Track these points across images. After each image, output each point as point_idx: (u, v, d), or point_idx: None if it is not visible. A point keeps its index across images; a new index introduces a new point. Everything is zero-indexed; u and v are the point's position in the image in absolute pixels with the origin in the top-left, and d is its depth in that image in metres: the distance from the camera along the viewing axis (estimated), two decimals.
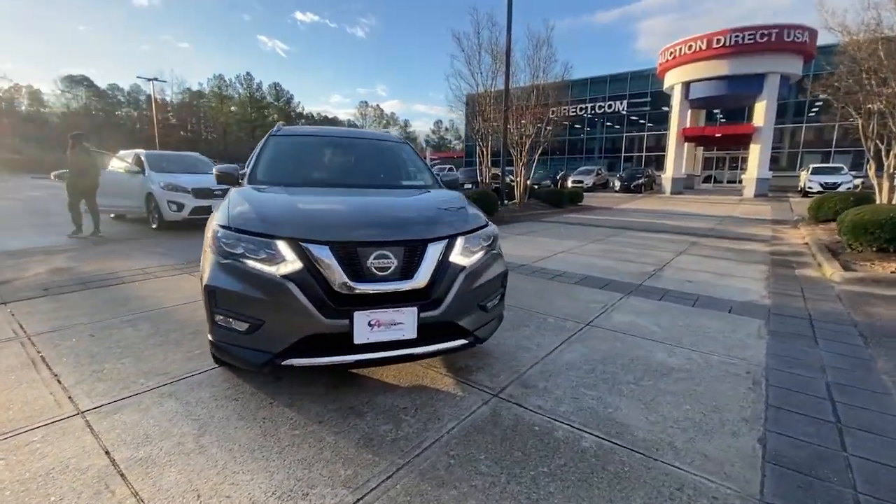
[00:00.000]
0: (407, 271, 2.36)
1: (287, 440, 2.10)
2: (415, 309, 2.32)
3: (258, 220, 2.41)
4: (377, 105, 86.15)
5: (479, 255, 2.67)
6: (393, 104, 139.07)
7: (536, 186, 18.99)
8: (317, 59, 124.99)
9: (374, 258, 2.30)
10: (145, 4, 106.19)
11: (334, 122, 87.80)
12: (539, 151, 15.69)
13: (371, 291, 2.28)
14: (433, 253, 2.43)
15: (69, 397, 2.45)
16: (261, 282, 2.20)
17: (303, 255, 2.24)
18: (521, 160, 15.08)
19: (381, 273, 2.31)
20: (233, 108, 69.65)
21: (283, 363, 2.24)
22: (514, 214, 13.27)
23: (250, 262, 2.24)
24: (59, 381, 2.63)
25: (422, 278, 2.37)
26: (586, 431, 2.22)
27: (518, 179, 15.33)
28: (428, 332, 2.40)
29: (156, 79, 37.02)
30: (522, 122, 15.22)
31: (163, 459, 1.94)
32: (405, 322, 2.30)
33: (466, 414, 2.37)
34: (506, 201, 14.76)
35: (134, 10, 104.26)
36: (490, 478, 1.87)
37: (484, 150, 15.60)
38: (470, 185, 15.96)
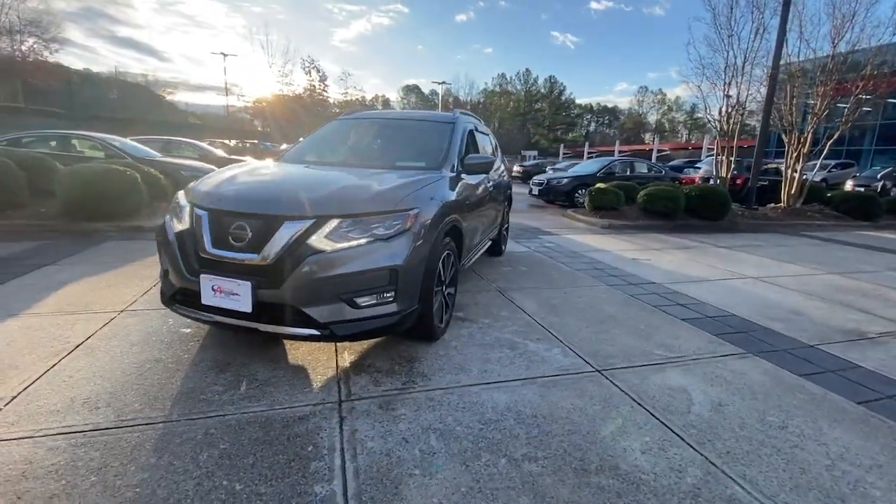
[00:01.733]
0: (256, 246, 2.27)
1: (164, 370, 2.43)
2: (250, 283, 2.22)
3: (193, 188, 2.76)
4: (660, 90, 77.39)
5: (357, 242, 2.28)
6: (687, 88, 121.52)
7: (825, 186, 13.27)
8: (604, 47, 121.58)
9: (233, 228, 2.31)
10: (464, 19, 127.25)
11: (613, 111, 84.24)
12: (832, 139, 10.90)
13: (217, 258, 2.31)
14: (287, 232, 2.24)
15: None
16: (165, 237, 2.57)
17: (193, 218, 2.47)
18: (798, 150, 10.87)
19: (237, 243, 2.30)
20: (510, 104, 76.13)
21: (171, 307, 2.56)
22: (758, 222, 9.82)
23: (171, 221, 2.63)
24: None
25: (266, 254, 2.23)
26: None
27: (792, 175, 11.15)
28: (269, 310, 2.26)
29: (443, 82, 44.64)
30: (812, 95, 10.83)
31: None
32: (241, 294, 2.24)
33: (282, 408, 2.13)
34: (760, 204, 11.03)
35: (455, 25, 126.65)
36: None
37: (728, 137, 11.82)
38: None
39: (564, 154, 46.08)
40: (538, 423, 2.12)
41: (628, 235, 7.91)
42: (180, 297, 2.49)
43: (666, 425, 2.16)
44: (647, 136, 68.82)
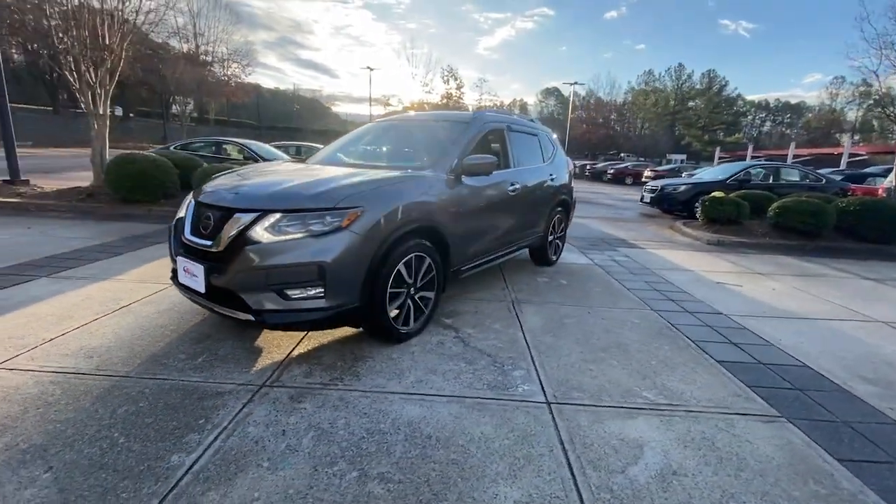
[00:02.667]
0: (213, 235, 2.53)
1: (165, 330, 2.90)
2: (202, 267, 2.49)
3: (202, 184, 3.17)
4: (863, 81, 61.36)
5: (292, 236, 2.38)
6: None
7: None
8: (792, 31, 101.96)
9: (203, 218, 2.63)
10: (614, 15, 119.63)
11: (797, 108, 70.37)
12: None
13: (190, 243, 2.64)
14: (235, 223, 2.45)
15: None
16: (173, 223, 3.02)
17: (186, 208, 2.87)
18: None
19: (203, 231, 2.61)
20: (656, 102, 68.91)
21: (174, 283, 3.00)
22: None
23: (180, 210, 3.08)
24: None
25: (218, 242, 2.48)
26: None
27: None
28: (217, 293, 2.50)
29: (575, 83, 42.52)
30: None
31: None
32: (198, 276, 2.53)
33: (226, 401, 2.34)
34: None
35: (603, 23, 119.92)
36: None
37: None
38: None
39: (721, 158, 39.93)
40: (425, 445, 1.95)
41: (738, 255, 6.56)
42: (173, 275, 2.91)
43: (574, 479, 1.78)
44: (843, 137, 55.43)
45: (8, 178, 8.36)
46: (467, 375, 2.57)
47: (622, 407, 2.33)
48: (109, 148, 8.54)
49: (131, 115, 40.03)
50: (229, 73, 39.97)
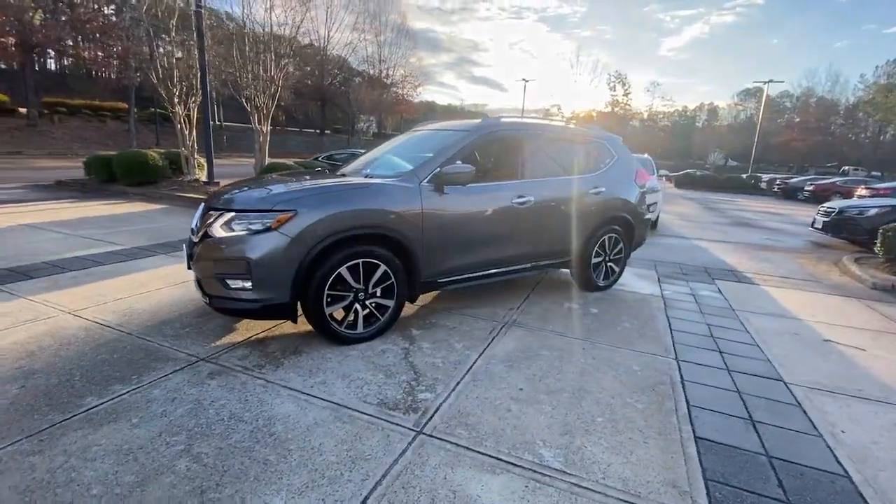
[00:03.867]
0: (198, 230, 3.03)
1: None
2: (186, 255, 3.02)
3: None
4: None
5: (234, 233, 2.71)
6: None
7: None
8: None
9: (202, 216, 3.17)
10: None
11: None
12: None
13: (190, 235, 3.21)
14: (206, 219, 2.90)
15: None
16: None
17: (199, 209, 3.49)
18: None
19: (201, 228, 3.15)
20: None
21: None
22: None
23: None
24: None
25: (196, 235, 2.97)
26: None
27: None
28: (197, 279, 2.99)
29: (771, 80, 34.76)
30: None
31: None
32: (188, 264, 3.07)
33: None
34: None
35: (834, 6, 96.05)
36: None
37: None
38: None
39: None
40: (260, 441, 2.03)
41: None
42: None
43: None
44: None
45: (206, 179, 11.16)
46: (372, 387, 2.52)
47: (496, 458, 1.99)
48: (271, 158, 10.65)
49: (327, 131, 48.48)
50: (403, 92, 45.11)
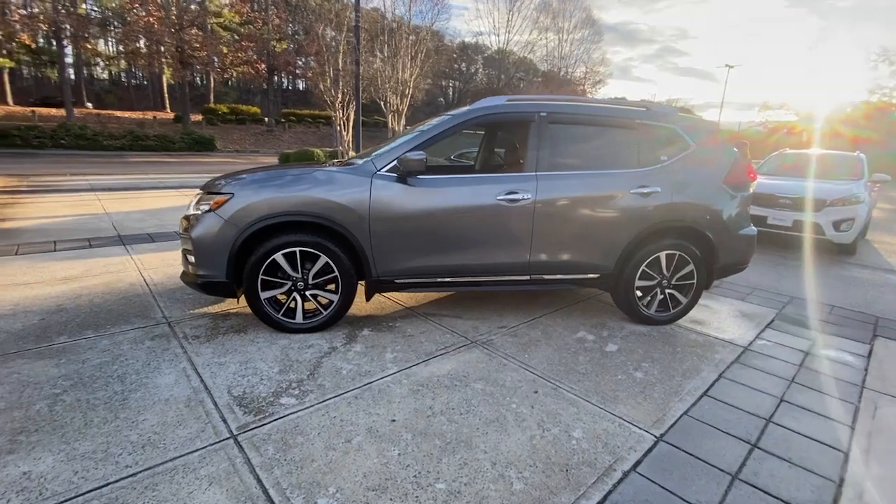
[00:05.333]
0: None
1: None
2: None
3: None
4: None
5: (196, 212, 2.93)
6: None
7: None
8: None
9: None
10: None
11: None
12: None
13: None
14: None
15: None
16: None
17: None
18: None
19: None
20: None
21: None
22: None
23: None
24: None
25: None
26: None
27: None
28: None
29: None
30: None
31: None
32: None
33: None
34: None
35: None
36: None
37: None
38: None
39: None
40: (107, 400, 2.15)
41: None
42: None
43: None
44: None
45: None
46: (253, 379, 2.42)
47: (262, 492, 1.66)
48: None
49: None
50: (582, 89, 42.83)
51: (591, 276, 3.30)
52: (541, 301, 3.82)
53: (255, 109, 32.58)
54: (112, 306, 3.32)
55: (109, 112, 30.94)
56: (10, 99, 29.51)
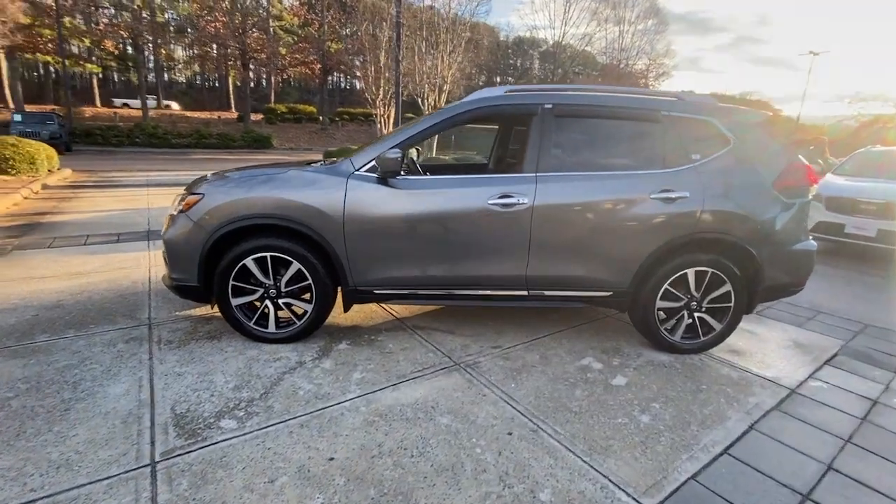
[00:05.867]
0: None
1: None
2: None
3: None
4: None
5: (175, 212, 2.83)
6: None
7: None
8: None
9: None
10: None
11: None
12: None
13: None
14: None
15: None
16: None
17: None
18: None
19: None
20: None
21: None
22: None
23: None
24: None
25: None
26: None
27: None
28: None
29: None
30: None
31: None
32: None
33: None
34: None
35: None
36: None
37: None
38: None
39: None
40: (50, 408, 2.05)
41: None
42: None
43: None
44: None
45: None
46: (205, 394, 2.25)
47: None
48: (442, 152, 11.21)
49: None
50: (643, 82, 40.38)
51: (602, 293, 2.84)
52: (550, 317, 3.40)
53: (312, 108, 33.77)
54: (107, 304, 3.32)
55: (181, 112, 33.40)
56: (98, 101, 32.78)
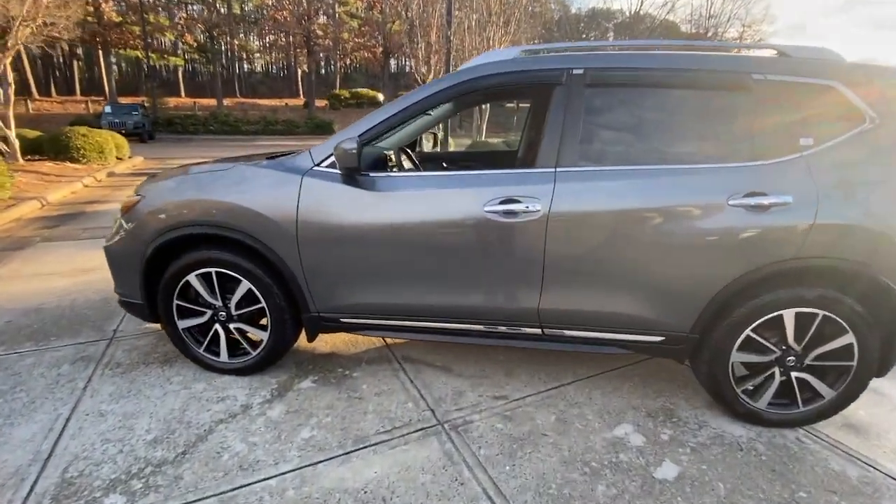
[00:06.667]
0: None
1: None
2: None
3: None
4: None
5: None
6: None
7: None
8: None
9: None
10: None
11: None
12: None
13: None
14: None
15: None
16: None
17: None
18: None
19: None
20: None
21: None
22: None
23: None
24: None
25: None
26: None
27: None
28: None
29: None
30: None
31: None
32: None
33: None
34: None
35: None
36: None
37: None
38: None
39: None
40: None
41: None
42: None
43: None
44: None
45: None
46: (114, 447, 1.81)
47: None
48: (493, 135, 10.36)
49: None
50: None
51: (650, 338, 2.02)
52: (581, 355, 2.61)
53: (373, 93, 33.90)
54: (87, 309, 3.07)
55: (253, 101, 35.03)
56: (182, 92, 35.35)
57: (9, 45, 7.62)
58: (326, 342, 2.69)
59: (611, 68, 1.94)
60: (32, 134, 10.23)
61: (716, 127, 1.92)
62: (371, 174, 2.05)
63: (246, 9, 32.31)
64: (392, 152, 2.43)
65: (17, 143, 8.41)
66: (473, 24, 9.77)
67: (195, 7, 28.68)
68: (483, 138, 10.11)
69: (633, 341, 2.04)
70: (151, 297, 2.27)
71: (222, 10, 27.36)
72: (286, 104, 32.87)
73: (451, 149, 10.12)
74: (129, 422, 1.98)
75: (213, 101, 31.19)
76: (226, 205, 2.06)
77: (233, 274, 2.15)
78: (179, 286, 2.21)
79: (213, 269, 2.16)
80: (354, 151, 1.84)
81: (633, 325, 2.01)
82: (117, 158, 10.81)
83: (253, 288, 2.16)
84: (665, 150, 1.93)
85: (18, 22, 7.29)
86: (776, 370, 1.99)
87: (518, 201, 1.89)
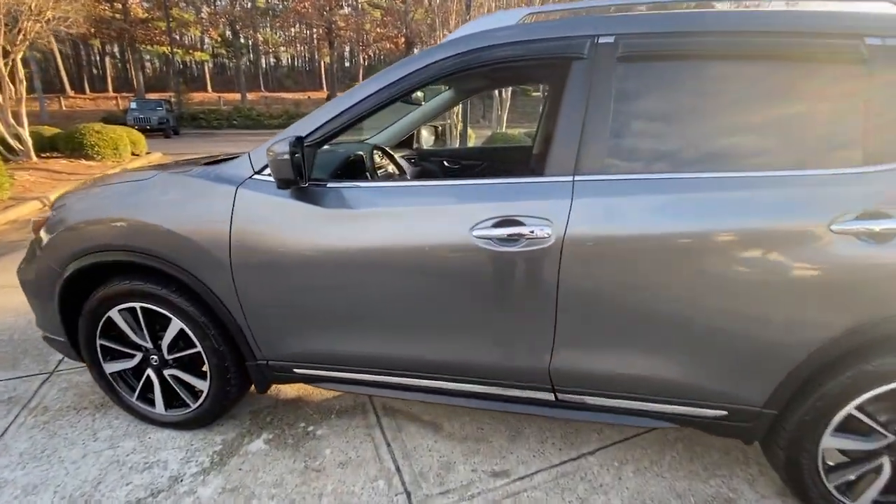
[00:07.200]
0: None
1: None
2: None
3: None
4: None
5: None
6: None
7: None
8: None
9: None
10: None
11: None
12: None
13: None
14: None
15: None
16: None
17: None
18: None
19: None
20: None
21: None
22: None
23: None
24: None
25: None
26: None
27: None
28: None
29: None
30: None
31: None
32: None
33: None
34: None
35: None
36: None
37: None
38: None
39: None
40: None
41: None
42: None
43: None
44: None
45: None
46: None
47: None
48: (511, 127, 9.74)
49: None
50: None
51: (705, 411, 1.46)
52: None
53: None
54: (38, 333, 2.72)
55: (277, 94, 35.14)
56: (209, 87, 35.79)
57: (17, 40, 7.50)
58: (294, 388, 2.24)
59: (654, 34, 1.36)
60: (50, 131, 10.24)
61: (808, 115, 1.33)
62: (329, 184, 1.56)
63: (269, 1, 32.30)
64: (366, 153, 1.93)
65: (30, 142, 8.34)
66: (493, 7, 9.13)
67: (221, 2, 28.81)
68: (503, 130, 9.46)
69: (680, 415, 1.48)
70: (73, 333, 1.87)
71: (247, 4, 27.36)
72: (309, 97, 32.78)
73: (471, 143, 9.52)
74: (27, 500, 1.58)
75: (237, 96, 31.42)
76: (140, 224, 1.61)
77: (158, 310, 1.71)
78: (101, 323, 1.79)
79: (137, 304, 1.73)
80: (287, 157, 1.34)
81: (681, 393, 1.45)
82: (133, 155, 10.73)
83: (185, 328, 1.71)
84: (733, 151, 1.35)
85: (24, 17, 7.14)
86: (886, 460, 1.40)
87: (520, 223, 1.36)
